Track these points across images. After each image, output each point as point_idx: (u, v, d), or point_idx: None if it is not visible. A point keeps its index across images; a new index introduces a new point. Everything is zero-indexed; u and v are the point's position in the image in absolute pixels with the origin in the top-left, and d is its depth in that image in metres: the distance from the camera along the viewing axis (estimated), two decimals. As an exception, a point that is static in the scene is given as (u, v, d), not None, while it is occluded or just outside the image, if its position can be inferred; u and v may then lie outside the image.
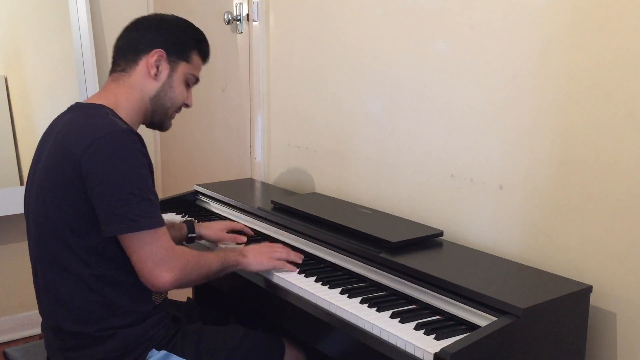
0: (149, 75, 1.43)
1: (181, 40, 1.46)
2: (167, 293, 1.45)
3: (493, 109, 1.48)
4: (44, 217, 1.33)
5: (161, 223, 1.29)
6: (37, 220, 1.35)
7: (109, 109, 1.36)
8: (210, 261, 1.38)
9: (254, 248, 1.51)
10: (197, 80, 1.52)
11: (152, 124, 1.50)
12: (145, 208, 1.26)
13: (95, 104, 1.38)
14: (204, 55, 1.53)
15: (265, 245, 1.54)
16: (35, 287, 1.41)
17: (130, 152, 1.27)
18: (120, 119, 1.36)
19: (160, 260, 1.26)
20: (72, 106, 1.41)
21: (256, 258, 1.46)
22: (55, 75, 2.86)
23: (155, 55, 1.42)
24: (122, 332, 1.33)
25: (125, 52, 1.44)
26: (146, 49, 1.42)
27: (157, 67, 1.43)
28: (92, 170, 1.24)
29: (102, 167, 1.24)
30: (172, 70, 1.45)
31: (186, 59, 1.47)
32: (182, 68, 1.46)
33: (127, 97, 1.41)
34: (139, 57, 1.43)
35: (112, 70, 1.46)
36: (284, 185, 2.20)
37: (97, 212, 1.26)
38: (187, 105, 1.52)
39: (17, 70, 2.78)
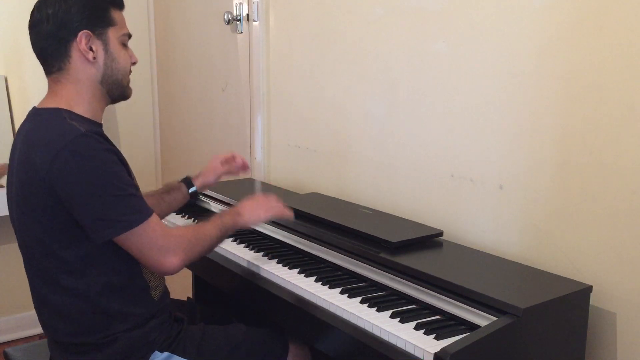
0: (88, 61, 1.32)
1: (96, 7, 1.32)
2: (166, 287, 1.45)
3: (493, 109, 1.48)
4: (29, 236, 1.31)
5: (150, 212, 1.27)
6: (23, 239, 1.34)
7: (65, 111, 1.30)
8: (209, 231, 1.38)
9: (247, 204, 1.50)
10: (129, 35, 1.40)
11: (114, 100, 1.41)
12: (130, 204, 1.24)
13: (51, 108, 1.31)
14: (120, 5, 1.39)
15: (258, 198, 1.53)
16: (33, 299, 1.40)
17: (96, 154, 1.22)
18: (80, 118, 1.31)
19: (163, 247, 1.27)
20: (30, 112, 1.36)
21: (252, 213, 1.46)
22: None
23: (83, 39, 1.30)
24: (125, 336, 1.33)
25: (50, 49, 1.31)
26: (70, 37, 1.30)
27: (92, 49, 1.31)
28: (64, 184, 1.21)
29: (73, 178, 1.20)
30: (105, 42, 1.33)
31: (110, 22, 1.34)
32: (112, 33, 1.34)
33: (78, 92, 1.33)
34: (68, 48, 1.31)
35: (48, 72, 1.35)
36: (284, 185, 2.20)
37: (81, 222, 1.23)
38: (133, 64, 1.42)
39: (17, 70, 2.78)
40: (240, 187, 2.16)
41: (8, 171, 1.38)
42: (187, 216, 1.94)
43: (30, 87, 2.76)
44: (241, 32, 2.32)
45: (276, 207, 1.49)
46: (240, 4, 2.28)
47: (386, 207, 1.77)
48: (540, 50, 1.36)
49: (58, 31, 1.30)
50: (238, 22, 2.31)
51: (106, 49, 1.34)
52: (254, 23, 2.24)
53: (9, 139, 2.68)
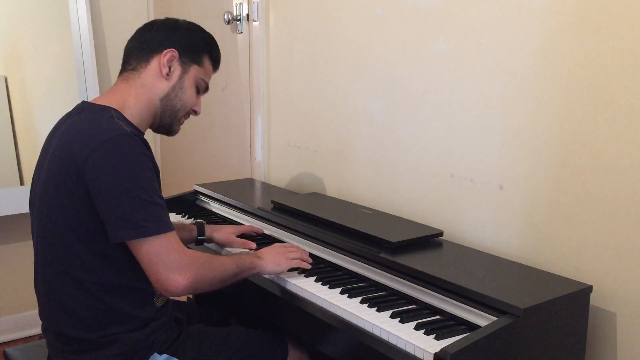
0: (161, 74, 1.41)
1: (194, 42, 1.46)
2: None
3: (493, 108, 1.48)
4: (47, 221, 1.31)
5: (170, 227, 1.26)
6: (40, 223, 1.34)
7: (114, 110, 1.34)
8: (225, 264, 1.34)
9: (268, 250, 1.47)
10: (206, 87, 1.50)
11: (160, 127, 1.47)
12: (153, 212, 1.23)
13: (101, 105, 1.35)
14: (215, 60, 1.52)
15: (278, 246, 1.50)
16: (36, 291, 1.40)
17: (135, 156, 1.24)
18: (126, 120, 1.34)
19: (172, 265, 1.23)
20: (78, 105, 1.39)
21: (272, 259, 1.43)
22: (55, 75, 2.86)
23: (167, 54, 1.41)
24: (125, 337, 1.32)
25: (138, 51, 1.43)
26: (159, 48, 1.42)
27: (169, 67, 1.42)
28: (96, 177, 1.22)
29: (106, 172, 1.22)
30: (184, 71, 1.44)
31: (198, 62, 1.46)
32: (194, 71, 1.45)
33: (136, 97, 1.39)
34: (152, 56, 1.42)
35: (123, 70, 1.44)
36: (284, 185, 2.20)
37: (103, 218, 1.24)
38: (195, 112, 1.50)
39: (17, 70, 2.78)
40: (240, 187, 2.17)
41: (38, 161, 1.40)
42: (187, 216, 1.94)
43: (30, 87, 2.76)
44: (241, 32, 2.32)
45: (296, 260, 1.47)
46: (240, 4, 2.28)
47: (386, 207, 1.77)
48: (540, 50, 1.36)
49: (153, 40, 1.43)
50: (238, 22, 2.31)
51: (181, 76, 1.44)
52: (254, 23, 2.24)
53: (9, 139, 2.68)
